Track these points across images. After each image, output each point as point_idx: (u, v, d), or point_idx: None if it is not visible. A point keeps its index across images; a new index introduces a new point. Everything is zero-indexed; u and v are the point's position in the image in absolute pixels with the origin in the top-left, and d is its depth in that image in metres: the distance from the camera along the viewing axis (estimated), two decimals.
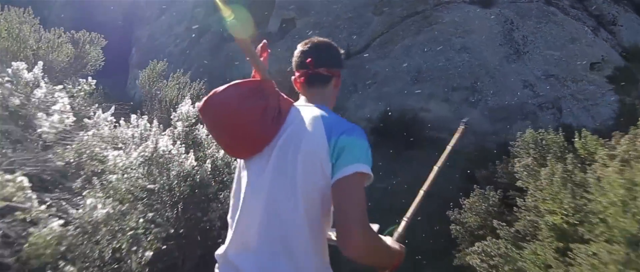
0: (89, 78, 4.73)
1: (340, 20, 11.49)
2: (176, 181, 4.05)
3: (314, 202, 1.31)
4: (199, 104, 1.49)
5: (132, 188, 3.57)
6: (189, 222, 4.16)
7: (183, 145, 4.39)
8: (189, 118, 4.72)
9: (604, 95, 9.36)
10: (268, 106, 1.37)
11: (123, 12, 19.50)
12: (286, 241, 1.31)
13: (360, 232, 1.21)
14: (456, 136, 1.88)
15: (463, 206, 5.31)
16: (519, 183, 4.52)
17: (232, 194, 1.51)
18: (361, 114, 9.70)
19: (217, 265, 1.45)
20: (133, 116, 4.39)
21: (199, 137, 4.78)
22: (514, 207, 4.37)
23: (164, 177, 3.99)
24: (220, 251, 1.43)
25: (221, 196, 4.43)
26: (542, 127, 9.22)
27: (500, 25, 9.98)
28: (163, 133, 4.41)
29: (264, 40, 1.48)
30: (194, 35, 14.93)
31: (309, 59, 1.48)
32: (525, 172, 4.46)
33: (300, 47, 1.53)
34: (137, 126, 4.29)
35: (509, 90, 8.99)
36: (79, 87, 4.67)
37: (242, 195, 1.40)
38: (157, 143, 4.00)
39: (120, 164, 3.54)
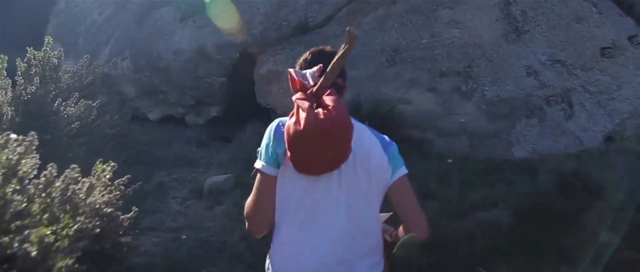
0: None
1: None
2: None
3: (380, 200, 1.65)
4: (314, 123, 1.42)
5: None
6: None
7: None
8: None
9: (620, 87, 7.56)
10: None
11: None
12: (364, 235, 1.62)
13: (425, 218, 1.62)
14: None
15: None
16: None
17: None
18: None
19: None
20: None
21: None
22: None
23: None
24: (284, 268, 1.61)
25: None
26: (551, 127, 7.42)
27: None
28: None
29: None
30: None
31: None
32: None
33: (310, 56, 1.69)
34: None
35: (510, 78, 6.98)
36: None
37: (319, 210, 1.57)
38: None
39: None
